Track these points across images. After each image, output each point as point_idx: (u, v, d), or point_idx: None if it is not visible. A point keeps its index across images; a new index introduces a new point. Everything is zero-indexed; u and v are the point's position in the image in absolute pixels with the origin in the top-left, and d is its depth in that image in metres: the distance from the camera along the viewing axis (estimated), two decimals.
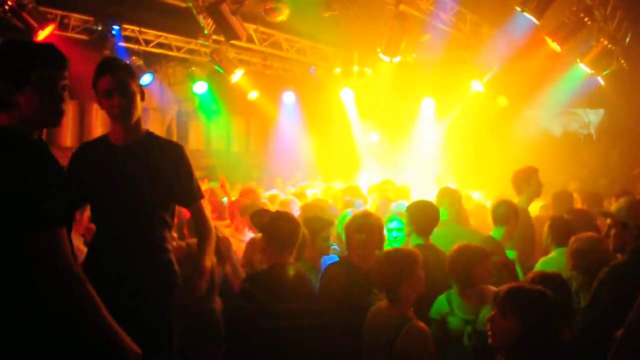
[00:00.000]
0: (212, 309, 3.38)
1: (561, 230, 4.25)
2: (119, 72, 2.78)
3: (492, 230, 4.61)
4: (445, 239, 4.62)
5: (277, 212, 3.57)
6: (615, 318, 2.41)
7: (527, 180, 5.21)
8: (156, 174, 2.84)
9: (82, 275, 1.97)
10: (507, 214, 4.50)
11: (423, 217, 4.19)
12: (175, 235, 4.13)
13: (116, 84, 2.75)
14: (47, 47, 2.15)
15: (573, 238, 3.72)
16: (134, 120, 2.84)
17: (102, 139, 2.97)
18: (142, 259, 2.76)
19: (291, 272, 3.27)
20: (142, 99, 2.87)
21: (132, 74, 2.84)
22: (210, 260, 2.90)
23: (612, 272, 3.15)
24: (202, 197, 3.08)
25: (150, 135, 2.97)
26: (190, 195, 2.99)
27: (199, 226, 3.02)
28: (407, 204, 5.40)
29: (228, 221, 5.83)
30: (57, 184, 1.98)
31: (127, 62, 2.88)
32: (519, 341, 2.38)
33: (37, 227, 1.88)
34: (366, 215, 3.68)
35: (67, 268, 1.92)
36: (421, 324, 2.99)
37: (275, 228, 3.33)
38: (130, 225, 2.78)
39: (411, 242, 4.24)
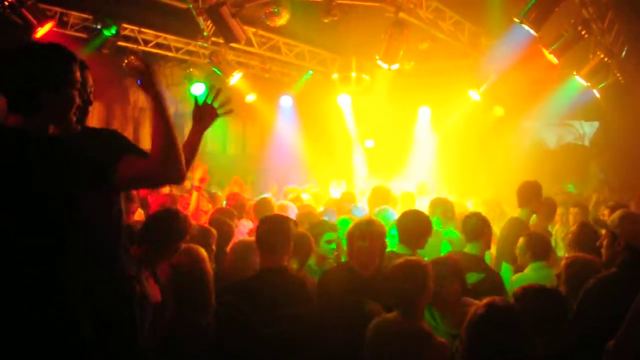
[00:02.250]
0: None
1: (539, 245, 4.18)
2: (86, 69, 2.70)
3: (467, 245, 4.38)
4: (436, 248, 4.63)
5: (270, 215, 3.53)
6: (601, 329, 2.42)
7: (536, 195, 5.16)
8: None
9: None
10: (480, 227, 4.31)
11: (412, 227, 4.09)
12: None
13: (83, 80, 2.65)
14: None
15: (568, 258, 3.69)
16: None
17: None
18: None
19: (284, 276, 3.21)
20: None
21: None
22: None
23: (599, 283, 3.16)
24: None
25: (85, 127, 2.83)
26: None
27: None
28: (392, 211, 5.45)
29: None
30: None
31: None
32: (463, 355, 2.41)
33: None
34: (370, 223, 3.64)
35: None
36: (441, 338, 2.93)
37: (265, 231, 3.29)
38: None
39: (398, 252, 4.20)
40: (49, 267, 2.05)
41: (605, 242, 3.42)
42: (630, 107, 9.04)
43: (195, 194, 6.06)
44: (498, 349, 2.36)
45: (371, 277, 3.50)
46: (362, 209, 6.18)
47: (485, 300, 2.54)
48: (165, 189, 7.10)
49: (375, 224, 3.65)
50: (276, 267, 3.23)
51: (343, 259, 4.30)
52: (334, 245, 4.14)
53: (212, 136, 13.07)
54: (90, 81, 2.76)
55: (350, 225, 3.77)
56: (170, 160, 2.31)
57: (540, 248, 4.16)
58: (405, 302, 3.00)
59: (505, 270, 4.58)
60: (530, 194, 5.12)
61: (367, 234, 3.52)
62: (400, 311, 3.03)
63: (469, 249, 4.32)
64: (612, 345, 2.28)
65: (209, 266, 3.37)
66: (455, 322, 3.25)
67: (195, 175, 6.09)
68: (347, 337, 3.17)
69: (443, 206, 5.39)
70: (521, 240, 4.28)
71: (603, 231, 3.59)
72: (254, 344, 2.98)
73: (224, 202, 7.14)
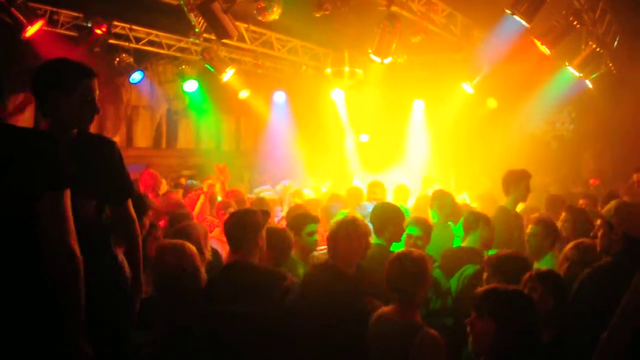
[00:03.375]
0: None
1: (554, 234, 4.28)
2: (96, 77, 2.77)
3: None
4: (433, 241, 4.66)
5: (238, 209, 3.53)
6: (596, 318, 2.44)
7: (517, 183, 5.25)
8: (89, 171, 2.70)
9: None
10: (473, 221, 4.57)
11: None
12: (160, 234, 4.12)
13: (95, 89, 2.74)
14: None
15: (571, 245, 3.74)
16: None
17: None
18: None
19: (247, 271, 3.18)
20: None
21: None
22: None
23: (594, 273, 3.19)
24: (131, 195, 2.98)
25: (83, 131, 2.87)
26: (120, 193, 2.91)
27: (126, 228, 2.91)
28: (370, 207, 5.49)
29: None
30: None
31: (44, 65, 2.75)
32: (496, 343, 2.36)
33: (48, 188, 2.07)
34: (354, 222, 3.62)
35: (68, 225, 2.09)
36: (433, 331, 2.91)
37: (231, 226, 3.29)
38: None
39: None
40: (34, 268, 2.06)
41: (600, 232, 3.42)
42: (623, 97, 9.07)
43: (202, 197, 6.11)
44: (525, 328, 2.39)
45: (354, 274, 3.52)
46: (366, 208, 6.17)
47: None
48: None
49: (360, 223, 3.63)
50: (240, 263, 3.21)
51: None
52: (315, 237, 4.12)
53: (207, 133, 13.06)
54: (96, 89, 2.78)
55: (334, 225, 3.73)
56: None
57: (553, 238, 4.27)
58: (403, 294, 3.00)
59: None
60: (511, 183, 5.27)
61: (352, 234, 3.50)
62: (398, 305, 3.03)
63: (467, 242, 4.57)
64: (604, 337, 2.30)
65: (199, 262, 3.38)
66: None
67: (205, 182, 6.11)
68: (345, 337, 3.15)
69: (441, 199, 5.43)
70: (537, 227, 4.33)
71: (598, 221, 3.61)
72: (205, 338, 2.97)
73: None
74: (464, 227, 4.64)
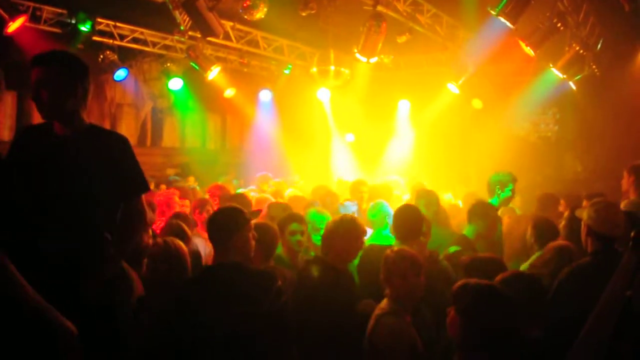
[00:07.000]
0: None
1: (546, 232, 4.20)
2: (45, 66, 2.67)
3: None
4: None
5: (222, 207, 3.39)
6: (574, 317, 2.45)
7: (503, 186, 5.26)
8: (95, 167, 2.66)
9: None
10: (484, 213, 4.60)
11: (406, 223, 4.11)
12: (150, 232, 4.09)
13: (38, 78, 2.65)
14: None
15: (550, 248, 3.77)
16: (63, 115, 2.70)
17: (46, 126, 2.78)
18: (78, 264, 2.56)
19: (237, 271, 2.98)
20: (75, 94, 2.71)
21: (63, 67, 2.69)
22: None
23: (572, 272, 3.24)
24: (145, 190, 2.88)
25: (93, 127, 2.85)
26: (131, 187, 2.82)
27: (127, 222, 2.78)
28: (353, 206, 5.47)
29: None
30: None
31: (66, 54, 2.78)
32: (463, 337, 2.40)
33: None
34: (353, 220, 3.70)
35: None
36: None
37: (212, 222, 3.08)
38: (63, 224, 2.58)
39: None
40: None
41: (583, 233, 3.47)
42: (605, 98, 9.16)
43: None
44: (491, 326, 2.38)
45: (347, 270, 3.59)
46: (348, 207, 6.15)
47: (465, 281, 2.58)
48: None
49: (359, 222, 3.70)
50: (229, 262, 2.98)
51: (312, 253, 4.30)
52: (298, 237, 4.09)
53: (192, 131, 12.99)
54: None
55: (332, 223, 3.76)
56: None
57: (546, 235, 4.18)
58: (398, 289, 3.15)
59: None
60: (496, 185, 5.26)
61: (353, 232, 3.59)
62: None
63: (466, 231, 4.63)
64: (581, 335, 2.31)
65: (188, 260, 3.35)
66: None
67: None
68: (330, 331, 3.18)
69: (427, 198, 5.40)
70: (529, 226, 4.33)
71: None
72: (199, 343, 2.79)
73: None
74: (469, 214, 4.67)
